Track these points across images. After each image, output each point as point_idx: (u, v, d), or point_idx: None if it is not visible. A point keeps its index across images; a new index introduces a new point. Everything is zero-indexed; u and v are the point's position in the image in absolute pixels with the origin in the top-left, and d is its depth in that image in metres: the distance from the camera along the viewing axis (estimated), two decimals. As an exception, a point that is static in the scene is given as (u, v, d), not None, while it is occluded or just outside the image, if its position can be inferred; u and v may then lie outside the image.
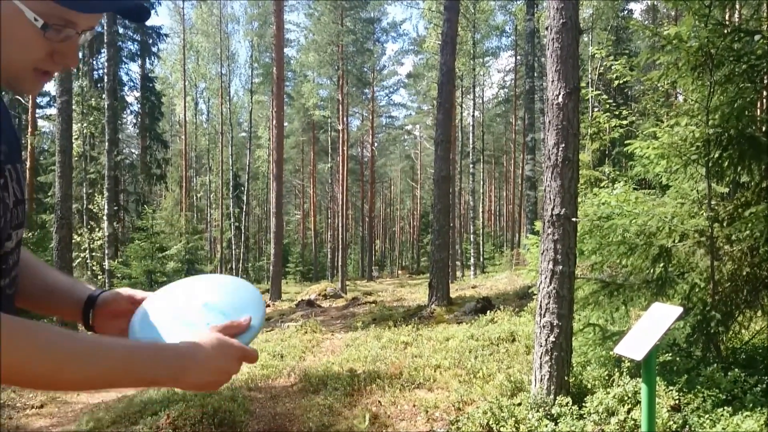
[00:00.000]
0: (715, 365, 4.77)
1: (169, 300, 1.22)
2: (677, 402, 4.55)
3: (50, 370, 0.92)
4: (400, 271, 56.15)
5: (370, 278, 42.00)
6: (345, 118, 36.21)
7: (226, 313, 1.16)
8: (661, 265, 5.48)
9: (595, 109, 17.60)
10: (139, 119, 31.85)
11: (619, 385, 4.87)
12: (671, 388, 4.67)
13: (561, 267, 5.08)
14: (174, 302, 1.21)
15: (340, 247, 32.06)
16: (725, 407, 4.28)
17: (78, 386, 1.04)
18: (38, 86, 1.08)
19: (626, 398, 4.67)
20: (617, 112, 9.75)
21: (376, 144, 46.27)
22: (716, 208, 5.41)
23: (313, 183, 46.80)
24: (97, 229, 24.87)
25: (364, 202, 44.62)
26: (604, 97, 10.21)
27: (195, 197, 47.38)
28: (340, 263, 31.04)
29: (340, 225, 33.56)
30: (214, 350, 1.03)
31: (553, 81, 5.20)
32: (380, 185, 60.51)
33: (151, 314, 1.19)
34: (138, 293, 1.28)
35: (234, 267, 37.28)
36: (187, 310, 1.18)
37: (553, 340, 5.05)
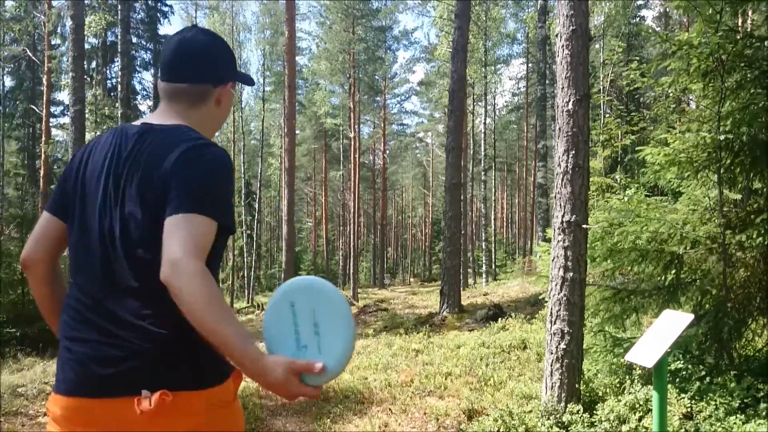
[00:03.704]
0: (728, 373, 4.73)
1: (298, 308, 1.56)
2: (689, 410, 4.52)
3: (205, 319, 1.39)
4: (412, 279, 56.06)
5: (381, 286, 41.94)
6: (357, 126, 36.24)
7: (320, 349, 1.53)
8: (673, 271, 5.45)
9: (607, 115, 17.57)
10: (152, 128, 31.94)
11: (630, 393, 4.84)
12: (683, 395, 4.64)
13: (572, 274, 5.06)
14: (298, 315, 1.56)
15: (352, 254, 32.04)
16: (738, 415, 4.24)
17: (210, 336, 1.42)
18: None
19: (637, 406, 4.64)
20: (629, 119, 9.71)
21: (387, 151, 46.25)
22: (728, 214, 5.38)
23: (325, 191, 46.82)
24: (110, 237, 24.99)
25: (375, 209, 44.64)
26: (616, 102, 10.17)
27: (207, 205, 47.34)
28: (351, 271, 31.02)
29: (351, 232, 33.54)
30: (280, 383, 1.46)
31: (563, 88, 5.19)
32: (392, 193, 60.52)
33: (280, 316, 1.57)
34: None
35: (246, 275, 37.28)
36: (300, 327, 1.55)
37: (564, 347, 5.03)
